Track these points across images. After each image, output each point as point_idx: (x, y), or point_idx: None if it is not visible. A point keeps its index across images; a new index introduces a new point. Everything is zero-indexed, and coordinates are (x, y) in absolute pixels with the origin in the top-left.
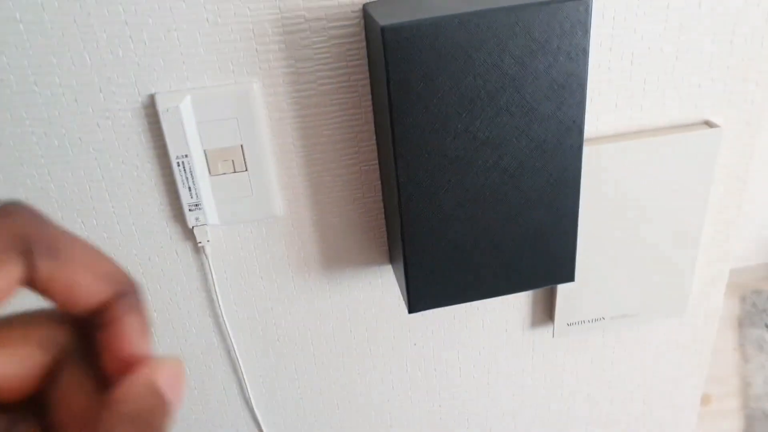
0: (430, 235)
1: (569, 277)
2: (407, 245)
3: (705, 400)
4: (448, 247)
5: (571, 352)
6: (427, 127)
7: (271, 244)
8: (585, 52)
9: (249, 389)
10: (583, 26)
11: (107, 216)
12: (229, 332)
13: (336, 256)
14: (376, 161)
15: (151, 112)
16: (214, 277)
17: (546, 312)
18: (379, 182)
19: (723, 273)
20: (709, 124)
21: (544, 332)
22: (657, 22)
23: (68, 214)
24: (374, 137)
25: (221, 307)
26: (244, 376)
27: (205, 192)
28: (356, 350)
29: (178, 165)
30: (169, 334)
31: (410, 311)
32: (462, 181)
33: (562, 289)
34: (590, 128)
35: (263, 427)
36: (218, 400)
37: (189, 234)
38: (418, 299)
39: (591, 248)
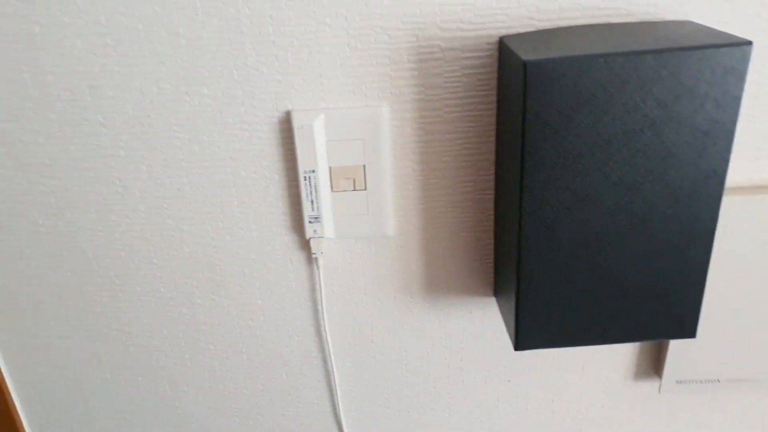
0: (547, 273)
1: (691, 333)
2: (522, 280)
3: None
4: (565, 287)
5: (677, 411)
6: (558, 163)
7: (379, 262)
8: (737, 100)
9: (340, 401)
10: (738, 73)
11: (233, 220)
12: (329, 342)
13: (440, 282)
14: (492, 191)
15: (286, 127)
16: (322, 288)
17: (652, 365)
18: (492, 212)
19: None
20: None
21: (648, 387)
22: None
23: (198, 216)
24: (493, 167)
25: (325, 317)
26: (337, 388)
27: (326, 206)
28: (449, 378)
29: (305, 179)
30: (271, 336)
31: (517, 348)
32: (588, 220)
33: (675, 343)
34: (728, 178)
35: None
36: (308, 408)
37: (305, 244)
38: (526, 337)
39: (714, 303)
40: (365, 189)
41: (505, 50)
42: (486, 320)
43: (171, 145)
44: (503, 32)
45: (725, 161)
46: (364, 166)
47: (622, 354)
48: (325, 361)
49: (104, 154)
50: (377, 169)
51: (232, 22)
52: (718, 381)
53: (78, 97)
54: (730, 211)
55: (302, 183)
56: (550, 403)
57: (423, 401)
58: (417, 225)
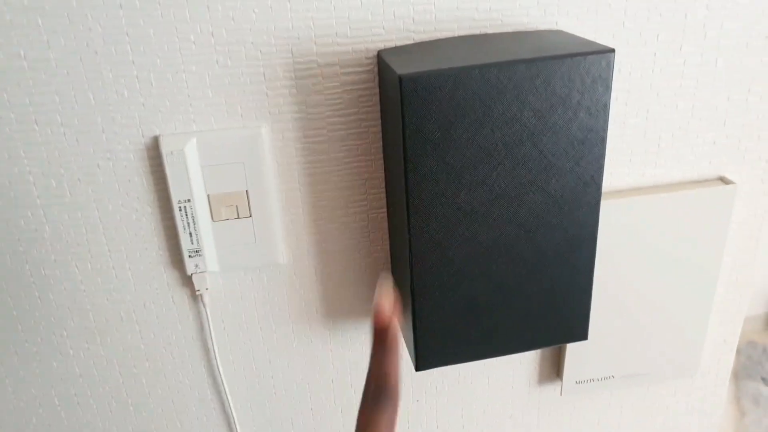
0: (440, 290)
1: (582, 335)
2: (417, 299)
3: None
4: (459, 303)
5: (579, 410)
6: (442, 178)
7: (272, 292)
8: (606, 108)
9: None
10: (604, 81)
11: (103, 260)
12: (225, 384)
13: (339, 307)
14: (385, 209)
15: (154, 154)
16: (211, 326)
17: (554, 369)
18: (387, 232)
19: (735, 333)
20: (724, 180)
21: (552, 390)
22: (673, 78)
23: (62, 257)
24: (384, 185)
25: (217, 357)
26: (238, 430)
27: (207, 238)
28: (356, 406)
29: (180, 210)
30: (161, 385)
31: (418, 369)
32: (476, 234)
33: (571, 345)
34: (604, 182)
35: None
36: None
37: (187, 281)
38: (426, 357)
39: (602, 305)
40: (250, 216)
41: (383, 64)
42: None
43: (23, 181)
44: (381, 45)
45: (601, 167)
46: (246, 191)
47: (525, 362)
48: (222, 404)
49: None
50: (261, 194)
51: (82, 41)
52: (613, 377)
53: None
54: (609, 214)
55: (177, 214)
56: (459, 418)
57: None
58: (310, 250)
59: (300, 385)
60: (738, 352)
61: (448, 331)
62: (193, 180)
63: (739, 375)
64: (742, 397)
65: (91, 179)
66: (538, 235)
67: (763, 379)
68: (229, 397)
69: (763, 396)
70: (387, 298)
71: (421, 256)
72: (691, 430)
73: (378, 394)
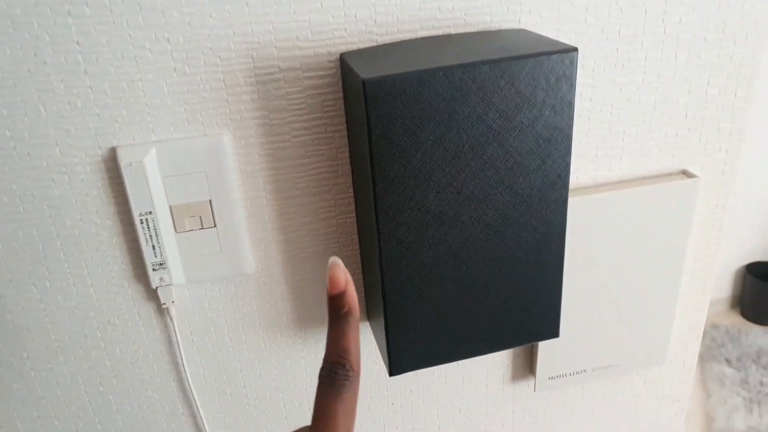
0: (411, 294)
1: (554, 333)
2: (388, 304)
3: None
4: (431, 306)
5: (553, 405)
6: (410, 182)
7: (240, 303)
8: (570, 105)
9: None
10: (568, 79)
11: (62, 277)
12: (195, 398)
13: (310, 315)
14: (354, 214)
15: (112, 166)
16: (179, 339)
17: (527, 366)
18: (357, 236)
19: (700, 321)
20: (686, 173)
21: (525, 386)
22: (635, 73)
23: (18, 276)
24: (351, 189)
25: (186, 371)
26: None
27: (171, 250)
28: None
29: (142, 222)
30: (129, 401)
31: (391, 374)
32: (445, 236)
33: (543, 342)
34: (571, 179)
35: None
36: None
37: (152, 295)
38: (399, 361)
39: (572, 301)
40: (215, 226)
41: (345, 68)
42: (363, 346)
43: None
44: (343, 48)
45: (567, 165)
46: (210, 201)
47: (498, 360)
48: (194, 417)
49: None
50: (226, 203)
51: (29, 50)
52: (585, 371)
53: None
54: (576, 211)
55: (139, 227)
56: (435, 418)
57: None
58: (278, 258)
59: (273, 395)
60: (702, 335)
61: (421, 335)
62: (153, 191)
63: (704, 357)
64: (707, 379)
65: (45, 194)
66: (506, 235)
67: (727, 361)
68: (201, 410)
69: (727, 377)
70: (339, 266)
71: (392, 260)
72: (661, 416)
73: (335, 374)
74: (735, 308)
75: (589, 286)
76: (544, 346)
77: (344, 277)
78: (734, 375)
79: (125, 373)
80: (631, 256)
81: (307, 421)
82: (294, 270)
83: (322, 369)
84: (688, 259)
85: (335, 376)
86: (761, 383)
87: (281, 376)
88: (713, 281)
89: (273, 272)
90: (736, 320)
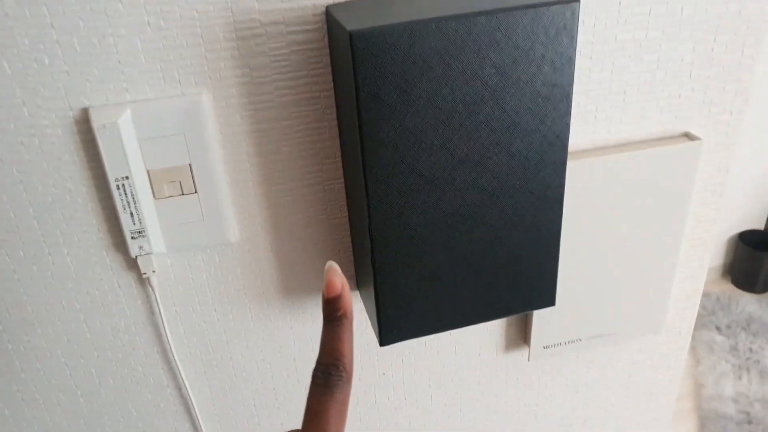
0: (403, 261)
1: (550, 301)
2: (378, 272)
3: None
4: (423, 274)
5: (547, 374)
6: (401, 144)
7: (225, 272)
8: (571, 61)
9: (203, 428)
10: (569, 33)
11: (36, 246)
12: (180, 369)
13: (297, 283)
14: (342, 179)
15: (85, 128)
16: (161, 310)
17: (521, 335)
18: (345, 202)
19: (698, 289)
20: (689, 136)
21: (519, 356)
22: (639, 29)
23: None
24: (339, 152)
25: (170, 342)
26: (198, 416)
27: (150, 217)
28: None
29: (118, 188)
30: (112, 374)
31: (382, 344)
32: (438, 201)
33: (538, 311)
34: (569, 142)
35: None
36: None
37: (132, 264)
38: (390, 331)
39: (568, 268)
40: (195, 192)
41: (332, 21)
42: (354, 315)
43: None
44: (330, 1)
45: (567, 125)
46: (189, 165)
47: (492, 329)
48: (179, 389)
49: None
50: (207, 168)
51: None
52: (580, 340)
53: None
54: (574, 175)
55: (115, 193)
56: (427, 388)
57: (297, 412)
58: (263, 225)
59: (260, 366)
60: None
61: (412, 304)
62: (130, 155)
63: (695, 325)
64: (698, 346)
65: (14, 159)
66: (502, 200)
67: (717, 328)
68: (186, 382)
69: (717, 344)
70: (336, 271)
71: (382, 226)
72: (656, 384)
73: (330, 375)
74: (726, 276)
75: (586, 253)
76: (538, 315)
77: (341, 281)
78: (724, 342)
79: (106, 345)
80: (630, 222)
81: (295, 390)
82: (280, 238)
83: (316, 369)
84: (687, 225)
85: (329, 377)
86: (750, 350)
87: (268, 347)
88: (712, 248)
89: (258, 240)
90: (727, 288)
